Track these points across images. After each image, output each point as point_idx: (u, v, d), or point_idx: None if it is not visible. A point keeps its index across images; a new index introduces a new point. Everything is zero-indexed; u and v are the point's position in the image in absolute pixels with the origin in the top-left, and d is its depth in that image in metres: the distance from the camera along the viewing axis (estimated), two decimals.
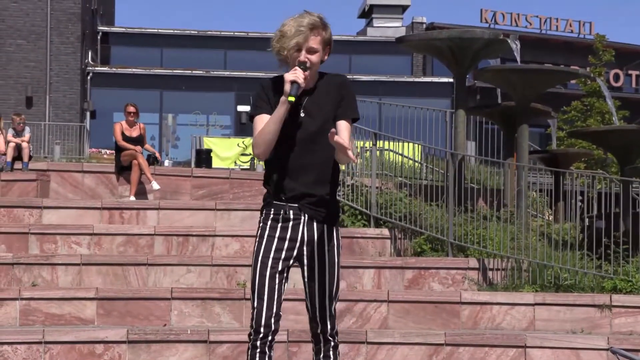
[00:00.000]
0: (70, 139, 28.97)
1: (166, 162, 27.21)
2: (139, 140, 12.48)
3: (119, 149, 12.30)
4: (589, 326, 8.48)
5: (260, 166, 24.23)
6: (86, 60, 33.52)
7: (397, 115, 13.91)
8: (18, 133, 14.13)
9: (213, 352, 7.58)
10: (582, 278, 9.19)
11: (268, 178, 4.41)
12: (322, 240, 4.36)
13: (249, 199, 11.62)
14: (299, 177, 4.31)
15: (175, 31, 36.93)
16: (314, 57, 4.30)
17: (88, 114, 32.80)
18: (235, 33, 37.01)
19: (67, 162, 18.92)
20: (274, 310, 4.30)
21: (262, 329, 4.28)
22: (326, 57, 4.39)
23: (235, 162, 26.91)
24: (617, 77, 39.15)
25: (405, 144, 13.11)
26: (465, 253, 9.68)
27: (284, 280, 4.33)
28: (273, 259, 4.30)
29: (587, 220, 10.41)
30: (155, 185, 11.71)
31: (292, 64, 4.30)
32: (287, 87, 4.22)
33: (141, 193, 11.92)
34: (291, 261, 4.35)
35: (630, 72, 39.98)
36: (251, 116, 4.41)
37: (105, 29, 36.87)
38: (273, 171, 4.36)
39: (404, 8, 40.24)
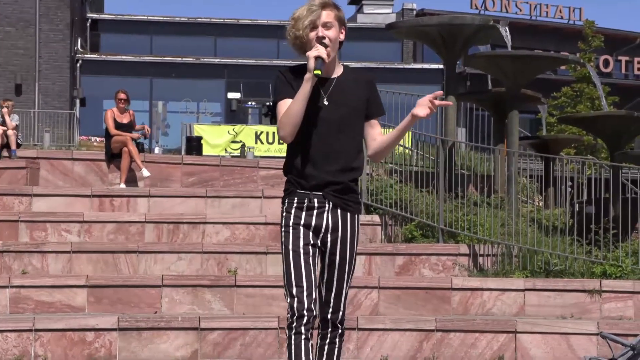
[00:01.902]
0: (60, 126, 28.89)
1: (156, 150, 27.17)
2: (130, 127, 12.45)
3: (109, 136, 12.26)
4: (579, 311, 8.51)
5: (250, 153, 24.22)
6: (75, 48, 33.39)
7: (388, 101, 13.85)
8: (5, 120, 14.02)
9: (204, 339, 7.58)
10: (572, 263, 9.22)
11: (290, 166, 4.38)
12: (346, 227, 4.38)
13: (240, 186, 11.61)
14: (323, 165, 4.30)
15: (165, 18, 36.79)
16: (331, 32, 4.30)
17: (78, 101, 32.70)
18: (225, 20, 36.91)
19: (56, 149, 18.89)
20: (314, 295, 4.28)
21: (305, 314, 4.23)
22: (342, 37, 4.38)
23: (225, 150, 26.88)
24: (606, 63, 39.19)
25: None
26: (455, 239, 9.70)
27: (316, 266, 4.34)
28: (304, 246, 4.30)
29: (577, 205, 10.44)
30: (145, 173, 11.69)
31: (310, 44, 4.28)
32: (311, 63, 4.20)
33: (131, 180, 11.89)
34: (318, 245, 4.36)
35: (619, 58, 40.01)
36: (274, 103, 4.40)
37: (95, 16, 36.70)
38: (296, 159, 4.34)
39: None
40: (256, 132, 28.40)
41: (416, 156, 13.53)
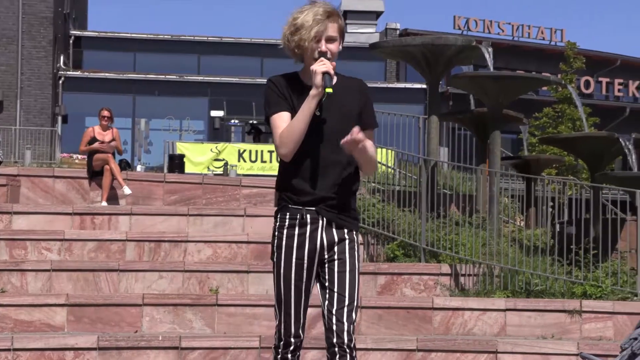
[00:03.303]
0: (42, 143, 28.79)
1: (138, 168, 27.09)
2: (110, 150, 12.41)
3: (90, 154, 12.24)
4: (559, 331, 8.53)
5: (233, 171, 24.19)
6: (58, 65, 33.32)
7: None
8: None
9: (185, 359, 7.54)
10: (552, 284, 9.25)
11: (283, 181, 4.18)
12: (343, 245, 4.17)
13: (222, 205, 11.58)
14: (317, 179, 4.12)
15: (149, 36, 36.79)
16: (334, 47, 4.14)
17: (60, 118, 32.60)
18: (209, 38, 36.94)
19: (38, 167, 18.79)
20: (302, 321, 4.17)
21: (292, 341, 4.16)
22: (341, 48, 4.22)
23: (208, 168, 26.84)
24: (587, 84, 39.47)
25: (379, 150, 13.12)
26: (437, 259, 9.71)
27: (310, 288, 4.19)
28: (296, 270, 4.13)
29: (557, 226, 10.48)
30: (127, 190, 11.66)
31: (310, 56, 4.12)
32: (318, 78, 4.03)
33: (113, 198, 11.85)
34: (314, 268, 4.18)
35: (600, 79, 40.31)
36: (267, 116, 4.19)
37: (78, 33, 36.66)
38: (289, 173, 4.15)
39: (377, 14, 40.35)
40: (239, 150, 28.38)
41: (399, 175, 13.56)
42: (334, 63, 4.10)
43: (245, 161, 27.90)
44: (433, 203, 10.44)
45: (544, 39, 39.51)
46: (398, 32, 37.77)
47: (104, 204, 11.55)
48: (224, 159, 27.04)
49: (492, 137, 11.19)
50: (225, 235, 9.94)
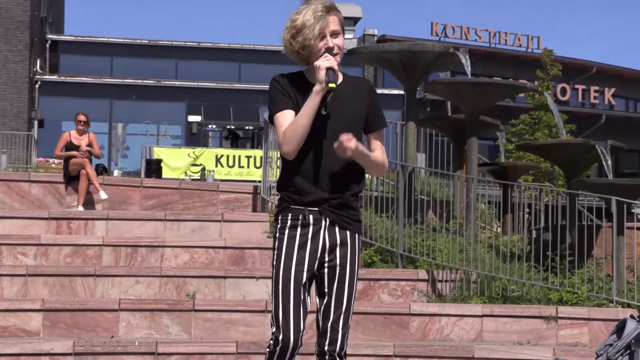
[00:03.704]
0: (18, 148, 28.59)
1: (115, 172, 26.98)
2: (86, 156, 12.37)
3: (67, 159, 12.18)
4: (535, 337, 8.56)
5: (210, 177, 24.16)
6: (34, 69, 33.13)
7: None
8: None
9: None
10: (529, 290, 9.29)
11: (285, 181, 4.06)
12: (345, 248, 4.05)
13: (199, 210, 11.56)
14: (320, 179, 4.00)
15: (126, 40, 36.66)
16: (339, 41, 4.06)
17: (36, 122, 32.41)
18: (187, 43, 36.88)
19: (13, 171, 18.66)
20: (301, 327, 4.00)
21: (290, 346, 3.97)
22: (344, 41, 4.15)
23: (185, 173, 26.79)
24: (564, 91, 39.72)
25: None
26: (414, 264, 9.73)
27: (307, 293, 4.04)
28: (295, 272, 3.98)
29: (534, 232, 10.53)
30: (103, 195, 11.61)
31: (317, 54, 4.02)
32: (322, 74, 3.93)
33: (89, 203, 11.80)
34: (314, 270, 4.04)
35: (576, 86, 40.57)
36: (271, 115, 4.08)
37: (55, 37, 36.47)
38: (291, 173, 4.03)
39: (355, 20, 40.43)
40: (216, 156, 28.35)
41: (376, 181, 13.58)
42: (338, 59, 4.03)
43: (222, 166, 27.87)
44: (410, 209, 10.46)
45: (520, 46, 39.74)
46: (376, 38, 37.87)
47: (81, 208, 11.50)
48: (201, 164, 27.00)
49: (469, 143, 11.23)
50: (203, 241, 9.92)
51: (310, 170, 4.00)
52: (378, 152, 4.11)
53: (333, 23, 4.04)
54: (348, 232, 4.06)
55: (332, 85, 3.95)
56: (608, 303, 9.11)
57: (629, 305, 9.04)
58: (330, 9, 4.04)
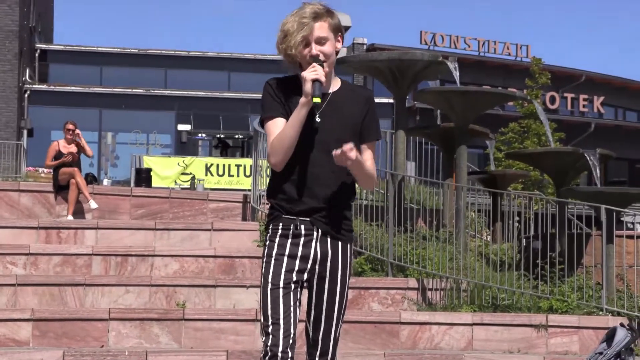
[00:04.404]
0: (7, 157, 28.51)
1: (105, 181, 26.93)
2: (75, 160, 12.36)
3: (56, 168, 12.16)
4: (525, 346, 8.57)
5: (200, 186, 24.12)
6: (24, 78, 33.06)
7: None
8: None
9: None
10: (519, 298, 9.30)
11: (275, 189, 3.94)
12: (336, 258, 3.95)
13: (189, 219, 11.54)
14: (312, 188, 3.88)
15: (115, 49, 36.62)
16: (326, 48, 3.88)
17: (25, 132, 32.32)
18: (176, 52, 36.86)
19: (3, 180, 18.61)
20: (292, 336, 3.86)
21: (279, 356, 3.83)
22: (339, 46, 3.97)
23: (175, 182, 26.74)
24: (553, 100, 39.84)
25: None
26: (405, 273, 9.74)
27: (298, 303, 3.92)
28: (285, 280, 3.87)
29: (524, 240, 10.55)
30: (93, 204, 11.58)
31: (304, 62, 3.87)
32: (307, 86, 3.78)
33: (79, 212, 11.77)
34: (304, 280, 3.94)
35: (565, 94, 40.71)
36: (262, 120, 3.97)
37: (44, 46, 36.42)
38: (282, 181, 3.91)
39: (345, 29, 40.49)
40: (206, 164, 28.32)
41: (366, 189, 13.58)
42: (326, 67, 3.87)
43: (212, 175, 27.83)
44: (400, 217, 10.47)
45: (509, 54, 39.86)
46: (365, 47, 37.92)
47: (70, 218, 11.47)
48: (191, 173, 26.96)
49: (458, 151, 11.25)
50: (192, 250, 9.91)
51: (301, 179, 3.88)
52: (369, 163, 3.99)
53: (319, 29, 3.87)
54: (340, 243, 3.97)
55: (316, 100, 3.79)
56: (598, 311, 9.13)
57: (618, 314, 9.06)
58: (318, 15, 3.88)
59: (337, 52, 3.99)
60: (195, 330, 8.18)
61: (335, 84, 4.01)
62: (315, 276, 3.95)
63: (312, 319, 3.99)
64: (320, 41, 3.88)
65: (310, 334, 4.00)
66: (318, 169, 3.89)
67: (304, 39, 3.85)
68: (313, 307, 3.99)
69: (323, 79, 3.83)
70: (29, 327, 8.00)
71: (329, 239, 3.94)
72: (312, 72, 3.81)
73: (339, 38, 3.97)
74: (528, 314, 8.96)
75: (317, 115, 3.88)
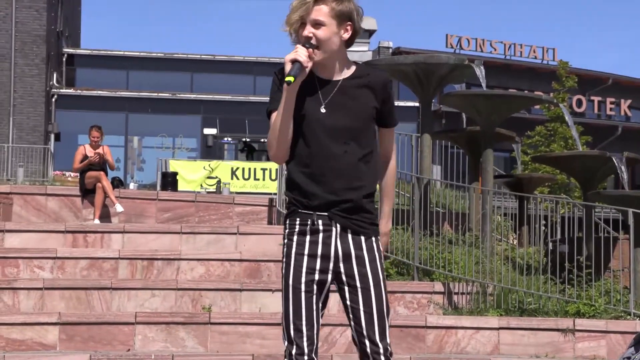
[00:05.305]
0: (34, 161, 28.76)
1: (131, 185, 27.07)
2: (101, 162, 12.44)
3: (83, 172, 12.24)
4: (552, 350, 8.52)
5: (226, 189, 24.19)
6: (51, 83, 33.33)
7: None
8: None
9: None
10: (546, 302, 9.24)
11: (291, 183, 3.77)
12: (361, 253, 3.73)
13: (215, 223, 11.57)
14: (327, 181, 3.70)
15: (142, 53, 36.85)
16: (320, 32, 3.68)
17: (52, 136, 32.59)
18: (202, 56, 37.02)
19: (30, 184, 18.76)
20: (315, 341, 3.70)
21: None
22: (346, 35, 3.75)
23: (201, 185, 26.84)
24: (579, 103, 39.62)
25: None
26: (430, 277, 9.71)
27: (320, 305, 3.75)
28: (306, 282, 3.69)
29: (550, 244, 10.49)
30: (119, 208, 11.64)
31: (298, 42, 3.71)
32: (286, 68, 3.61)
33: (105, 216, 11.83)
34: (328, 281, 3.74)
35: (592, 98, 40.47)
36: (267, 113, 3.78)
37: (71, 51, 36.71)
38: (297, 175, 3.74)
39: (370, 33, 40.43)
40: (232, 168, 28.40)
41: None
42: (318, 52, 3.68)
43: (238, 179, 27.91)
44: (426, 221, 10.44)
45: (536, 57, 39.70)
46: (391, 50, 37.90)
47: (97, 221, 11.53)
48: (217, 177, 27.04)
49: (484, 155, 11.21)
50: (218, 253, 9.93)
51: (317, 171, 3.70)
52: (389, 148, 3.88)
53: (317, 12, 3.68)
54: (363, 237, 3.74)
55: (289, 79, 3.58)
56: (626, 315, 9.05)
57: None
58: None
59: (346, 41, 3.77)
60: (221, 334, 8.19)
61: (348, 71, 3.80)
62: (343, 275, 3.74)
63: (352, 319, 3.75)
64: (315, 24, 3.70)
65: (355, 334, 3.77)
66: (333, 161, 3.70)
67: (301, 18, 3.70)
68: (350, 308, 3.75)
69: (303, 59, 3.61)
70: (55, 331, 8.04)
71: (349, 235, 3.73)
72: (292, 53, 3.64)
73: (348, 27, 3.75)
74: (555, 318, 8.90)
75: (324, 105, 3.72)
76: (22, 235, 10.34)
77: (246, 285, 9.02)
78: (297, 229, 3.75)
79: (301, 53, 3.62)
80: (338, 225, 3.72)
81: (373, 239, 3.78)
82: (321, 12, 3.69)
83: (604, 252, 9.54)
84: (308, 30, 3.69)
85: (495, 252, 10.07)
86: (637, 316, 9.01)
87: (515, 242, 12.07)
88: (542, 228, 10.92)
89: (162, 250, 10.01)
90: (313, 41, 3.68)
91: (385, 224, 3.98)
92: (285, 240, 3.79)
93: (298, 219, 3.75)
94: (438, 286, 9.35)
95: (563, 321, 8.68)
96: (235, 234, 10.54)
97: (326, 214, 3.72)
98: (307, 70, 3.67)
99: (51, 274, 9.44)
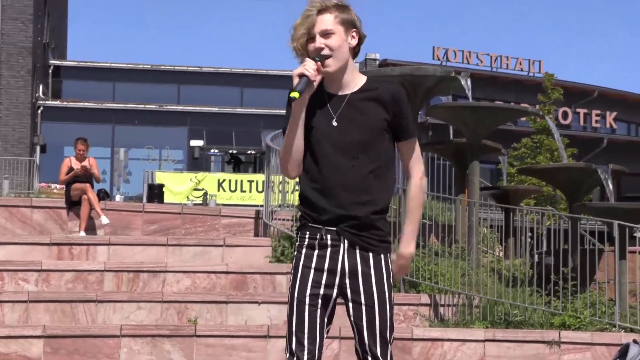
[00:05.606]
0: (20, 173, 28.62)
1: (117, 197, 26.99)
2: (86, 175, 12.40)
3: (68, 184, 12.21)
4: None
5: (212, 201, 24.13)
6: (37, 94, 33.23)
7: None
8: None
9: None
10: (531, 314, 9.26)
11: (302, 197, 3.76)
12: (368, 271, 3.70)
13: (201, 235, 11.55)
14: (338, 196, 3.66)
15: (128, 65, 36.80)
16: (331, 40, 3.65)
17: (38, 148, 32.46)
18: (189, 68, 37.00)
19: (15, 197, 18.67)
20: (315, 355, 3.67)
21: None
22: (353, 42, 3.71)
23: (187, 197, 26.79)
24: (565, 115, 39.77)
25: None
26: (417, 289, 9.71)
27: (325, 320, 3.73)
28: (311, 295, 3.69)
29: (536, 256, 10.51)
30: (104, 220, 11.60)
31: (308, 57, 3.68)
32: (294, 82, 3.58)
33: (91, 228, 11.79)
34: (334, 296, 3.74)
35: (578, 110, 40.64)
36: (283, 130, 3.76)
37: (57, 62, 36.62)
38: (307, 189, 3.73)
39: None
40: (219, 180, 28.36)
41: None
42: (331, 61, 3.65)
43: (224, 191, 27.87)
44: None
45: (522, 70, 39.84)
46: (377, 62, 37.96)
47: (82, 234, 11.49)
48: (203, 189, 27.00)
49: (471, 167, 11.23)
50: (204, 266, 9.91)
51: (327, 186, 3.67)
52: (414, 170, 3.82)
53: (323, 23, 3.66)
54: (371, 254, 3.70)
55: (294, 94, 3.54)
56: (611, 327, 9.07)
57: (631, 330, 9.01)
58: (324, 9, 3.68)
59: (353, 49, 3.75)
60: (207, 346, 8.17)
61: (357, 83, 3.76)
62: (349, 291, 3.72)
63: (356, 335, 3.73)
64: (325, 34, 3.67)
65: (359, 351, 3.74)
66: (343, 175, 3.67)
67: (308, 32, 3.67)
68: (354, 325, 3.74)
69: (310, 73, 3.58)
70: (40, 344, 8.00)
71: (357, 251, 3.70)
72: (300, 67, 3.61)
73: (354, 34, 3.72)
74: (540, 330, 8.91)
75: (335, 119, 3.68)
76: (7, 248, 10.29)
77: (232, 298, 8.99)
78: (306, 242, 3.75)
79: (309, 67, 3.59)
80: (346, 241, 3.70)
81: (382, 256, 3.74)
82: (327, 22, 3.67)
83: (589, 264, 9.57)
84: (319, 42, 3.66)
85: (481, 264, 10.08)
86: (622, 328, 9.03)
87: (501, 254, 12.09)
88: (528, 240, 10.95)
89: (148, 262, 9.98)
90: (325, 51, 3.65)
91: (405, 245, 3.89)
92: (295, 252, 3.79)
93: (308, 233, 3.74)
94: (424, 298, 9.36)
95: (549, 333, 8.69)
96: (221, 246, 10.52)
97: (335, 229, 3.70)
98: (316, 84, 3.64)
99: (36, 286, 9.39)
